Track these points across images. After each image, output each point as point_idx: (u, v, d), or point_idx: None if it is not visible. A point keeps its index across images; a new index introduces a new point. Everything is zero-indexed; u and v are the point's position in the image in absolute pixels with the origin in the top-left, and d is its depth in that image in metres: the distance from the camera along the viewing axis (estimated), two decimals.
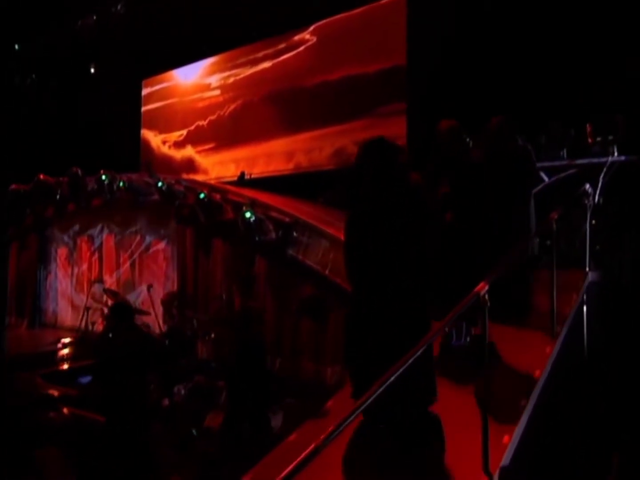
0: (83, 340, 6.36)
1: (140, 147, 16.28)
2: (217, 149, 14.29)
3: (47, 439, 3.86)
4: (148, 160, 10.50)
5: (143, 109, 16.51)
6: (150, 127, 16.15)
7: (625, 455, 3.33)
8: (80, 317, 7.73)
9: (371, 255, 2.96)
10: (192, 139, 14.93)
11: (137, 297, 9.62)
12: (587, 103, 8.14)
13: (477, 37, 9.74)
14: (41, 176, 10.27)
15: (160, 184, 8.12)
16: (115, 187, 9.16)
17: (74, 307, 11.02)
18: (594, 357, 4.11)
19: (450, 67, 9.86)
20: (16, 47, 15.62)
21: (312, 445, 1.69)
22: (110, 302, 7.04)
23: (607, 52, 8.33)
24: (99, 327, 7.36)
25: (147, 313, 7.36)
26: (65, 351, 5.97)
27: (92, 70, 18.27)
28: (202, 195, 7.45)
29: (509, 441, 2.55)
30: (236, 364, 5.19)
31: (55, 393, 4.61)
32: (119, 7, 11.99)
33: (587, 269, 5.10)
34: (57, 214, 11.00)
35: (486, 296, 2.34)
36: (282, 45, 13.33)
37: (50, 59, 16.57)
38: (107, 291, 7.42)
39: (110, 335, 4.42)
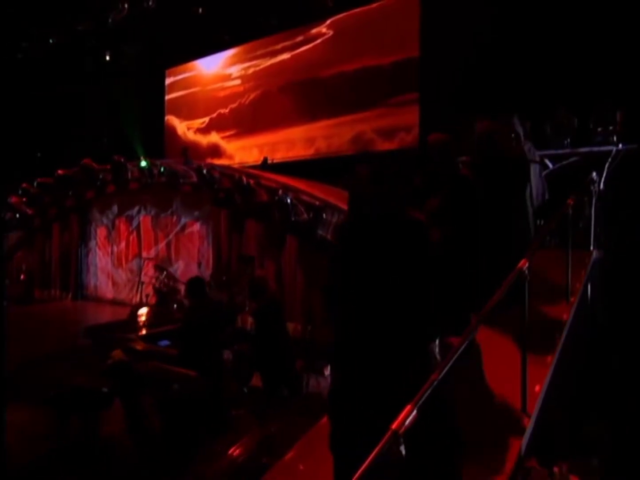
0: (152, 310, 6.81)
1: (164, 133, 16.67)
2: (238, 135, 14.66)
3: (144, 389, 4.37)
4: (185, 147, 10.85)
5: (166, 97, 16.81)
6: (174, 115, 16.48)
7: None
8: (136, 290, 8.19)
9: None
10: (214, 126, 15.29)
11: (174, 273, 10.10)
12: (590, 94, 8.49)
13: (485, 30, 10.02)
14: (86, 161, 10.66)
15: (203, 170, 8.54)
16: (155, 172, 9.57)
17: (113, 281, 11.54)
18: (598, 320, 4.62)
19: (461, 59, 10.15)
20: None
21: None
22: (159, 277, 7.50)
23: (611, 43, 8.64)
24: (152, 299, 7.81)
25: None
26: (142, 318, 6.43)
27: (107, 58, 18.61)
28: (244, 181, 7.87)
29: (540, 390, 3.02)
30: (256, 329, 5.70)
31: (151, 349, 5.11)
32: (150, 2, 12.18)
33: (592, 248, 5.56)
34: (97, 196, 11.44)
35: (527, 271, 2.77)
36: (299, 38, 13.60)
37: (80, 49, 16.83)
38: (157, 267, 7.88)
39: (195, 305, 4.88)
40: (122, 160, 10.17)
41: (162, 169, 9.22)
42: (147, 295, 7.46)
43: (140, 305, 7.26)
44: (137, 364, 4.44)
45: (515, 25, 9.80)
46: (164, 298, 7.22)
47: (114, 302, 11.25)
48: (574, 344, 3.70)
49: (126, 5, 13.16)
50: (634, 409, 3.70)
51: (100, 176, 10.56)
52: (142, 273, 8.67)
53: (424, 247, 2.32)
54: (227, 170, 9.20)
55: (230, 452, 4.08)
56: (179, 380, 4.27)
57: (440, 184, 3.65)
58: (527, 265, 2.79)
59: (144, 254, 10.83)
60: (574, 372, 3.70)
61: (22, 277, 11.73)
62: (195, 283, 4.95)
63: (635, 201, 5.81)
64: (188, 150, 10.55)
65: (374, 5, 12.18)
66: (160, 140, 16.57)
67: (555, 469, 2.56)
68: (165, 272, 7.44)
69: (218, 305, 5.67)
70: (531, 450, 2.66)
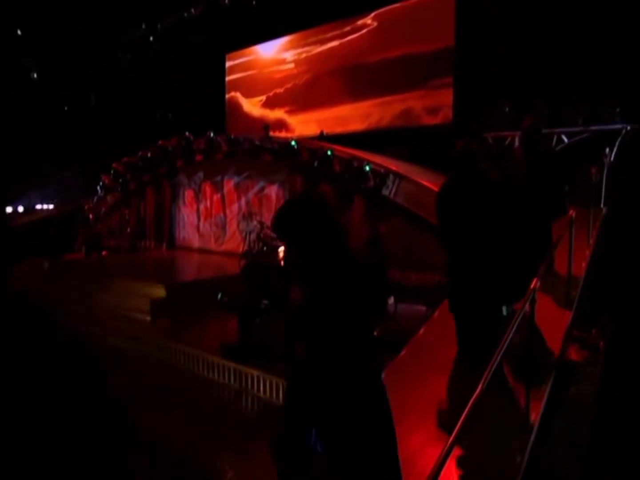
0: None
1: (225, 109, 17.77)
2: (291, 112, 15.71)
3: None
4: (266, 124, 11.94)
5: (227, 78, 17.81)
6: (239, 93, 17.49)
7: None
8: (245, 240, 9.43)
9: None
10: (270, 104, 16.33)
11: (248, 228, 11.37)
12: (600, 81, 9.42)
13: (512, 24, 10.88)
14: (187, 134, 11.87)
15: (293, 142, 9.71)
16: (241, 144, 10.77)
17: (199, 233, 12.92)
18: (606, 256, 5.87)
19: (490, 48, 11.04)
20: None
21: None
22: (260, 230, 8.74)
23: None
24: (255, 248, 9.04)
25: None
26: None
27: (151, 39, 19.61)
28: (329, 153, 9.06)
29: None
30: None
31: None
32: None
33: (602, 205, 6.78)
34: (187, 164, 12.70)
35: (573, 219, 4.00)
36: (347, 28, 14.47)
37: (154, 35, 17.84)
38: (260, 222, 9.09)
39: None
40: (212, 134, 11.35)
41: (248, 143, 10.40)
42: (253, 244, 8.69)
43: (248, 252, 8.54)
44: None
45: (538, 20, 10.66)
46: (265, 245, 8.49)
47: (200, 250, 12.69)
48: (595, 261, 4.98)
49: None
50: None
51: (194, 147, 11.76)
52: (248, 226, 9.93)
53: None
54: (305, 143, 10.35)
55: None
56: None
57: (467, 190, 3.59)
58: (574, 214, 4.03)
59: (228, 212, 12.16)
60: (596, 277, 4.96)
61: (128, 230, 13.16)
62: None
63: (633, 169, 6.95)
64: (269, 127, 11.65)
65: (414, 0, 12.99)
66: (222, 115, 17.70)
67: (592, 333, 3.89)
68: (264, 225, 8.69)
69: None
70: (575, 322, 3.97)
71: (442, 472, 1.69)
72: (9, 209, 16.01)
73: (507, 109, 10.19)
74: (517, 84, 10.55)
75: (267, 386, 5.36)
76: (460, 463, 2.64)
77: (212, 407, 5.12)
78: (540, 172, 4.26)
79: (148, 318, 7.81)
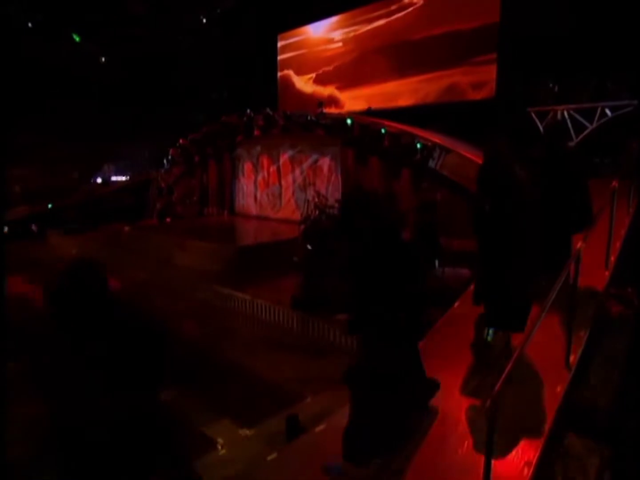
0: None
1: (277, 88, 17.99)
2: (340, 89, 15.78)
3: None
4: (320, 101, 12.16)
5: (279, 57, 17.96)
6: (291, 70, 17.65)
7: None
8: (305, 208, 9.84)
9: None
10: (320, 81, 16.44)
11: (306, 197, 11.77)
12: None
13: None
14: (248, 111, 12.29)
15: (349, 120, 9.95)
16: (296, 119, 11.09)
17: (257, 202, 13.46)
18: None
19: (537, 22, 10.73)
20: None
21: None
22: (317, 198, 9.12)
23: None
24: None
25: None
26: None
27: (204, 21, 19.80)
28: (383, 131, 9.27)
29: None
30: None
31: None
32: None
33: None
34: (246, 139, 13.14)
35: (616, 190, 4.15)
36: (393, 7, 14.29)
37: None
38: (316, 192, 9.48)
39: None
40: (270, 111, 11.70)
41: (308, 117, 10.68)
42: (312, 211, 9.09)
43: (307, 218, 8.96)
44: None
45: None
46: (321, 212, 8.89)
47: (258, 217, 13.25)
48: (633, 229, 5.11)
49: None
50: None
51: (254, 123, 12.16)
52: (307, 193, 10.34)
53: None
54: (357, 119, 10.55)
55: None
56: None
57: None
58: (616, 185, 4.19)
59: (283, 183, 12.59)
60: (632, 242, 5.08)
61: (194, 198, 13.85)
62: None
63: None
64: (324, 104, 11.87)
65: None
66: (274, 92, 17.94)
67: (627, 291, 4.11)
68: (320, 194, 9.05)
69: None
70: (612, 282, 4.20)
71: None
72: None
73: (550, 84, 10.03)
74: (561, 58, 10.31)
75: (329, 332, 5.86)
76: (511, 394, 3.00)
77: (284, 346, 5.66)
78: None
79: (220, 274, 8.42)
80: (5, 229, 8.08)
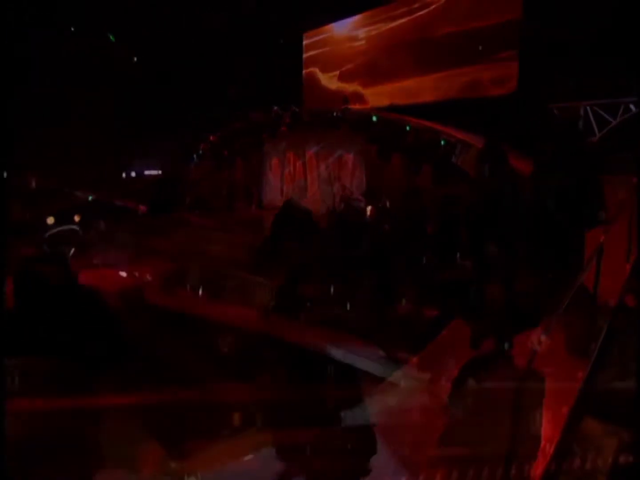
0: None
1: (302, 85, 18.10)
2: (363, 85, 15.82)
3: None
4: (345, 96, 12.26)
5: (304, 55, 18.05)
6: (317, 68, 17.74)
7: None
8: (332, 200, 10.07)
9: None
10: (344, 78, 16.49)
11: (330, 191, 11.96)
12: None
13: None
14: (275, 108, 12.50)
15: (374, 117, 10.08)
16: (321, 116, 11.25)
17: (283, 196, 13.65)
18: None
19: (559, 19, 10.60)
20: None
21: None
22: (343, 192, 9.32)
23: None
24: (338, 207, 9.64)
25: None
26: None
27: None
28: (407, 128, 9.38)
29: None
30: None
31: None
32: None
33: None
34: (272, 135, 13.34)
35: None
36: (416, 5, 14.25)
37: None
38: (342, 186, 9.68)
39: None
40: (295, 108, 11.87)
41: (334, 114, 10.83)
42: (339, 204, 9.30)
43: (334, 211, 9.16)
44: None
45: None
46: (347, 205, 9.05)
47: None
48: None
49: None
50: None
51: (280, 120, 12.37)
52: (333, 188, 10.56)
53: None
54: (382, 115, 10.65)
55: None
56: None
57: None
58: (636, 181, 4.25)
59: (309, 177, 12.78)
60: None
61: (223, 192, 14.16)
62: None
63: None
64: (348, 100, 11.99)
65: None
66: (299, 89, 18.06)
67: None
68: (346, 188, 9.24)
69: None
70: (633, 274, 4.27)
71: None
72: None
73: (572, 80, 9.93)
74: (583, 53, 10.18)
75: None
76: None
77: None
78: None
79: (248, 263, 8.63)
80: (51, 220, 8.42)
